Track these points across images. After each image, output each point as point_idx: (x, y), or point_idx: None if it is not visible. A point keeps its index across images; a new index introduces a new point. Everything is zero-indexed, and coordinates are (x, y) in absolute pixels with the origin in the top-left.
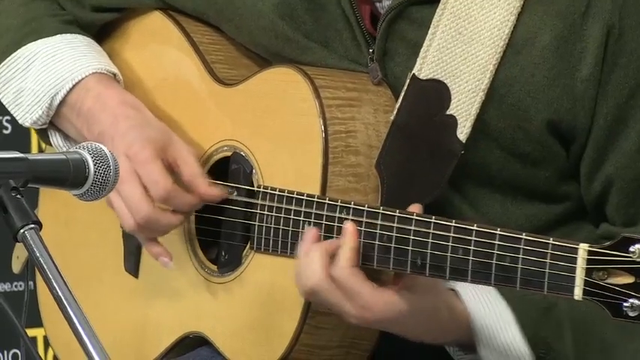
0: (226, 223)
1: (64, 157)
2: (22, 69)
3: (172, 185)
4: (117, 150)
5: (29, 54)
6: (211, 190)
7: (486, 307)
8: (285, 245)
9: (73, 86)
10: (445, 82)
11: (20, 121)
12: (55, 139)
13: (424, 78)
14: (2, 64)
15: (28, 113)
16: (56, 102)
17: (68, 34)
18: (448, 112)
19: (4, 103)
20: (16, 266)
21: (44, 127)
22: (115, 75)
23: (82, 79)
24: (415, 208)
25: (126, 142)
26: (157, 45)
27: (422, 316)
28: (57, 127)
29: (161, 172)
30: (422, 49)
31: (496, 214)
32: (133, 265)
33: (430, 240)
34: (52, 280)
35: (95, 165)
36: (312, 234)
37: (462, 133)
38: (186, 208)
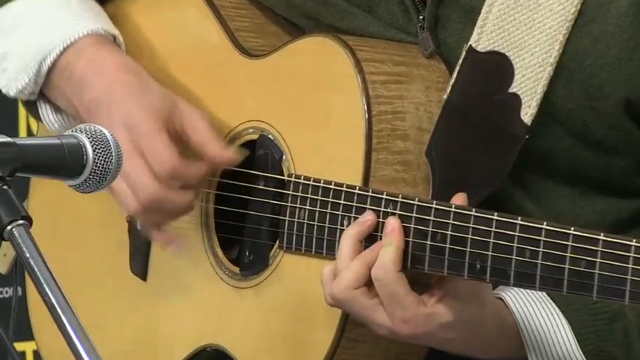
0: (251, 217)
1: (58, 141)
2: (8, 30)
3: (179, 159)
4: (114, 119)
5: (17, 13)
6: (225, 153)
7: (538, 318)
8: (320, 244)
9: (65, 49)
10: (507, 54)
11: (4, 90)
12: (45, 112)
13: (483, 50)
14: None
15: (13, 80)
16: (45, 67)
17: None
18: (511, 90)
19: None
20: (3, 265)
21: (32, 97)
22: (114, 37)
23: (75, 40)
24: (459, 199)
25: (124, 110)
26: (171, 9)
27: (465, 329)
28: (47, 98)
29: (166, 145)
30: (480, 17)
31: (563, 210)
32: (140, 266)
33: (492, 240)
34: (45, 285)
35: (94, 151)
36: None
37: (527, 114)
38: (197, 179)
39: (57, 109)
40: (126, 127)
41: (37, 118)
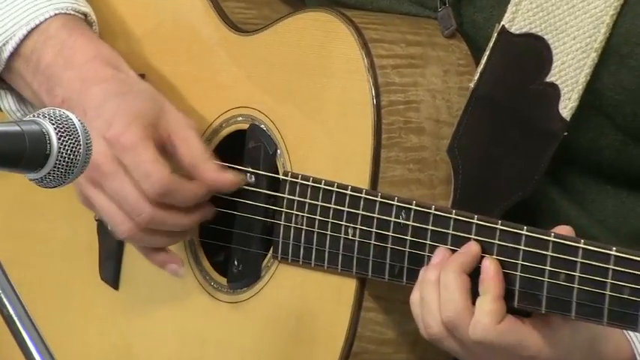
0: (240, 221)
1: (17, 128)
2: None
3: (170, 176)
4: (91, 129)
5: None
6: (221, 176)
7: None
8: (320, 256)
9: (29, 33)
10: (545, 38)
11: None
12: (7, 101)
13: (517, 32)
14: None
15: None
16: (5, 54)
17: None
18: (548, 79)
19: None
20: None
21: None
22: (85, 16)
23: (41, 23)
24: (563, 231)
25: (104, 118)
26: None
27: (582, 350)
28: (8, 85)
29: (154, 161)
30: None
31: (607, 213)
32: (111, 272)
33: (520, 261)
34: (1, 294)
35: (59, 139)
36: (442, 256)
37: (566, 107)
38: (192, 201)
39: (20, 98)
40: (105, 140)
41: None
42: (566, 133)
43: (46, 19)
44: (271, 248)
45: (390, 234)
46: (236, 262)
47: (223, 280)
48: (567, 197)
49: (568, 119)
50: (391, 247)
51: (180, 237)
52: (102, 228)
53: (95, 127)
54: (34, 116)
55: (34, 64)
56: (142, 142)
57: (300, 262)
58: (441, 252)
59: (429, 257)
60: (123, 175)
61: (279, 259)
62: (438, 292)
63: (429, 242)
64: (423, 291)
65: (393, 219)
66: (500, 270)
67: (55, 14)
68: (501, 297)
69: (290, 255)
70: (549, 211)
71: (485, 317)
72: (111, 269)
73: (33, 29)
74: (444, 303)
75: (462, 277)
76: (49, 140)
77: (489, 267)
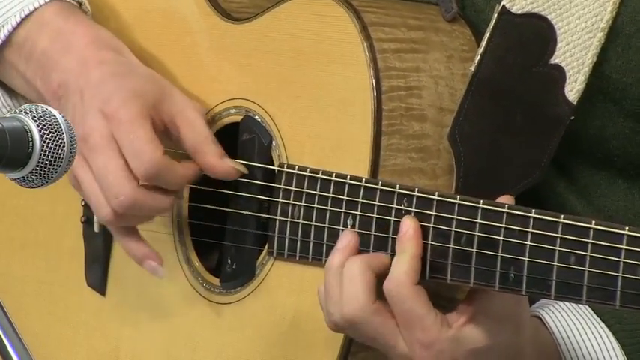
0: (234, 217)
1: None
2: None
3: (162, 158)
4: (87, 105)
5: None
6: (222, 163)
7: (584, 341)
8: (318, 249)
9: (22, 20)
10: (548, 18)
11: None
12: None
13: (518, 12)
14: None
15: None
16: None
17: None
18: (553, 61)
19: None
20: None
21: None
22: (80, 4)
23: (35, 9)
24: (506, 200)
25: (102, 94)
26: None
27: (498, 357)
28: None
29: (149, 140)
30: None
31: (617, 208)
32: (98, 277)
33: (529, 242)
34: None
35: (42, 137)
36: (349, 239)
37: (573, 90)
38: (180, 185)
39: (11, 93)
40: (102, 114)
41: None
42: (572, 118)
43: (40, 6)
44: (266, 244)
45: (392, 219)
46: (229, 261)
47: (216, 281)
48: (575, 191)
49: (574, 102)
50: (392, 237)
51: (153, 218)
52: (87, 232)
53: (93, 104)
54: (15, 112)
55: (27, 51)
56: (138, 119)
57: (297, 257)
58: (347, 235)
59: (432, 245)
60: (111, 151)
61: (274, 255)
62: (342, 282)
63: (432, 226)
64: (328, 277)
65: (394, 206)
66: (419, 229)
67: (50, 0)
68: (419, 257)
69: (286, 250)
70: (557, 206)
71: (403, 274)
72: (97, 274)
73: (27, 16)
74: (347, 297)
75: (367, 273)
76: (32, 138)
77: (410, 225)
